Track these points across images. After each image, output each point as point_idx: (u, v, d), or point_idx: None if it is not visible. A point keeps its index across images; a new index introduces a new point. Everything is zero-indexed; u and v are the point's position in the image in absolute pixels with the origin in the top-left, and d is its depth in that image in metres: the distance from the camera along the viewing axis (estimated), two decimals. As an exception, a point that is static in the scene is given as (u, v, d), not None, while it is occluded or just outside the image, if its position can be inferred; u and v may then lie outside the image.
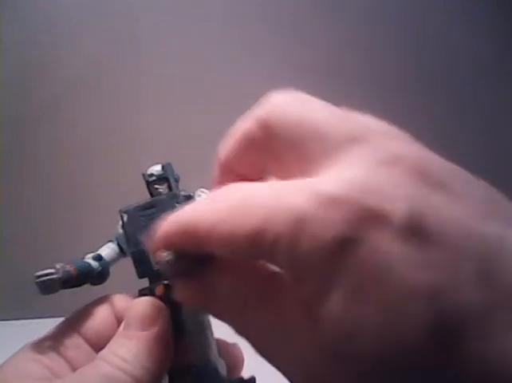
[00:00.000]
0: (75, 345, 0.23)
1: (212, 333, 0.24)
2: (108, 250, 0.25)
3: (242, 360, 0.25)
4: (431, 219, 0.14)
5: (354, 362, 0.14)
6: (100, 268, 0.24)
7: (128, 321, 0.23)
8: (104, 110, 0.77)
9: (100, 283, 0.25)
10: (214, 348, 0.24)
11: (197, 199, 0.25)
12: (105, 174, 0.76)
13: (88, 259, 0.24)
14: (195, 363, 0.23)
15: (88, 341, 0.24)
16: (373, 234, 0.14)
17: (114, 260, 0.25)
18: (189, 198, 0.25)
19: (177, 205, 0.24)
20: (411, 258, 0.14)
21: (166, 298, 0.23)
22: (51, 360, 0.22)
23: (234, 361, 0.25)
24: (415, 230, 0.14)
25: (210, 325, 0.24)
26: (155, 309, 0.23)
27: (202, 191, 0.25)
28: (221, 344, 0.25)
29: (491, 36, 0.82)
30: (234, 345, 0.25)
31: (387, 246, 0.14)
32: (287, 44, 0.79)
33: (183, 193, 0.25)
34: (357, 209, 0.14)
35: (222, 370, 0.24)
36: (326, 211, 0.14)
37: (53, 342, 0.23)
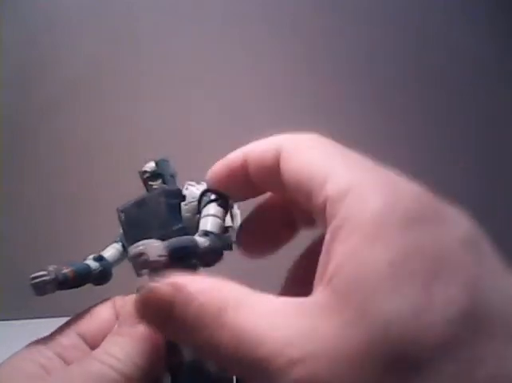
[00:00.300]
0: (73, 345, 0.24)
1: None
2: (112, 251, 0.25)
3: None
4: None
5: None
6: (100, 268, 0.25)
7: (121, 319, 0.23)
8: (104, 110, 0.77)
9: (101, 283, 0.25)
10: None
11: (184, 192, 0.25)
12: (105, 174, 0.76)
13: (89, 260, 0.25)
14: (187, 359, 0.23)
15: (87, 342, 0.24)
16: None
17: (118, 260, 0.25)
18: (178, 192, 0.25)
19: (164, 201, 0.24)
20: None
21: None
22: (48, 360, 0.22)
23: None
24: None
25: None
26: None
27: (190, 185, 0.25)
28: None
29: (491, 36, 0.82)
30: None
31: None
32: (287, 44, 0.79)
33: (170, 188, 0.25)
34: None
35: (213, 365, 0.23)
36: None
37: (51, 343, 0.23)
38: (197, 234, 0.22)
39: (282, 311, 0.16)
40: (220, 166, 0.23)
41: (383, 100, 0.80)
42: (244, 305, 0.17)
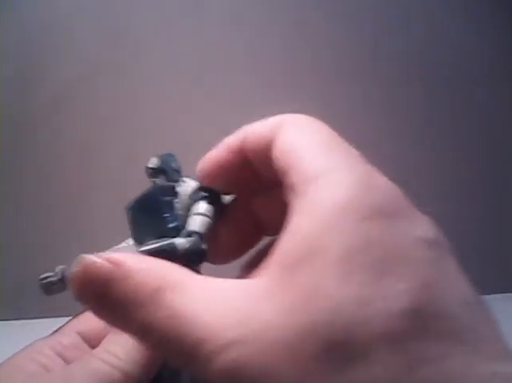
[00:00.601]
0: (74, 345, 0.24)
1: None
2: (125, 247, 0.25)
3: None
4: None
5: None
6: None
7: None
8: (104, 110, 0.77)
9: None
10: None
11: (178, 189, 0.24)
12: (105, 174, 0.76)
13: None
14: None
15: (88, 342, 0.24)
16: None
17: None
18: (170, 189, 0.24)
19: (158, 199, 0.23)
20: None
21: None
22: (48, 359, 0.22)
23: None
24: None
25: None
26: None
27: (184, 181, 0.24)
28: None
29: (496, 34, 0.82)
30: None
31: None
32: (287, 44, 0.79)
33: (163, 185, 0.25)
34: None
35: None
36: None
37: (51, 342, 0.23)
38: (181, 234, 0.22)
39: (223, 294, 0.16)
40: (212, 157, 0.22)
41: (386, 99, 0.80)
42: (184, 287, 0.16)
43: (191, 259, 0.22)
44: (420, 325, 0.14)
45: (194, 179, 0.24)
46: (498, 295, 0.75)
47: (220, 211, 0.23)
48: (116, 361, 0.21)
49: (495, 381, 0.13)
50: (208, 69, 0.78)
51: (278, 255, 0.16)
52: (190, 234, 0.22)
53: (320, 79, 0.78)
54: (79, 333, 0.24)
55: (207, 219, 0.22)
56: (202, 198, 0.23)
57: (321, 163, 0.17)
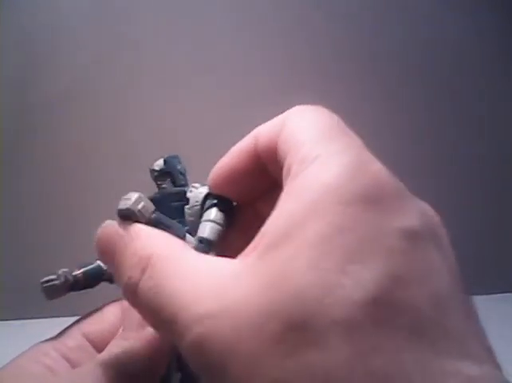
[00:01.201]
0: (79, 347, 0.24)
1: None
2: None
3: None
4: None
5: None
6: None
7: (126, 324, 0.23)
8: (103, 111, 0.77)
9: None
10: None
11: (188, 194, 0.24)
12: (105, 174, 0.76)
13: (99, 260, 0.25)
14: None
15: (93, 344, 0.24)
16: None
17: None
18: (181, 194, 0.24)
19: (167, 205, 0.23)
20: None
21: None
22: (53, 361, 0.22)
23: None
24: None
25: None
26: None
27: (194, 187, 0.24)
28: None
29: (498, 35, 0.82)
30: None
31: None
32: (288, 44, 0.79)
33: (174, 191, 0.25)
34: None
35: None
36: None
37: (56, 344, 0.23)
38: (194, 240, 0.22)
39: (207, 270, 0.16)
40: (224, 164, 0.22)
41: (386, 99, 0.80)
42: (173, 259, 0.17)
43: None
44: (379, 316, 0.13)
45: (203, 184, 0.24)
46: (497, 295, 0.75)
47: (231, 218, 0.23)
48: (122, 365, 0.21)
49: (450, 381, 0.13)
50: (208, 69, 0.78)
51: (261, 236, 0.16)
52: (200, 240, 0.21)
53: (321, 79, 0.78)
54: (84, 335, 0.24)
55: (218, 227, 0.22)
56: (214, 205, 0.23)
57: (318, 147, 0.16)
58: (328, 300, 0.14)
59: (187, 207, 0.24)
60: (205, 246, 0.21)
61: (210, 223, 0.22)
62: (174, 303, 0.15)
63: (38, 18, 0.76)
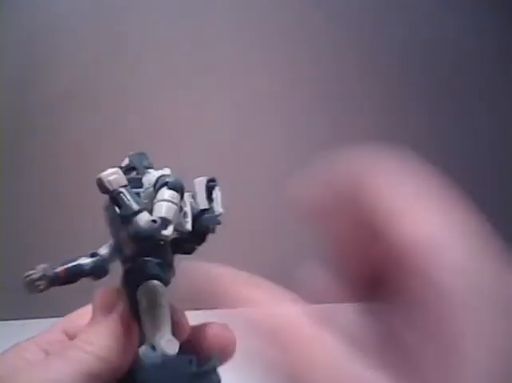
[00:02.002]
0: (57, 341, 0.25)
1: (167, 314, 0.23)
2: (108, 248, 0.26)
3: (232, 342, 0.25)
4: None
5: None
6: (91, 265, 0.25)
7: (93, 310, 0.24)
8: (103, 111, 0.77)
9: (98, 278, 0.25)
10: (164, 329, 0.23)
11: (143, 179, 0.25)
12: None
13: (82, 257, 0.25)
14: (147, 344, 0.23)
15: (71, 338, 0.25)
16: None
17: (113, 256, 0.26)
18: (137, 180, 0.25)
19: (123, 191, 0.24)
20: None
21: (125, 282, 0.24)
22: (33, 354, 0.24)
23: (222, 342, 0.25)
24: None
25: (162, 306, 0.23)
26: (113, 295, 0.24)
27: (147, 172, 0.25)
28: (207, 326, 0.25)
29: (499, 34, 0.82)
30: (224, 325, 0.25)
31: None
32: (288, 44, 0.79)
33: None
34: None
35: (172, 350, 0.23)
36: None
37: (37, 339, 0.25)
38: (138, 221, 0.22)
39: None
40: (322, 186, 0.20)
41: (386, 99, 0.80)
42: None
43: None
44: None
45: (160, 169, 0.25)
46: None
47: (182, 196, 0.24)
48: (89, 346, 0.22)
49: None
50: (208, 69, 0.78)
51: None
52: (156, 220, 0.22)
53: (321, 79, 0.78)
54: (64, 331, 0.25)
55: (173, 205, 0.23)
56: (164, 184, 0.23)
57: (428, 226, 0.17)
58: None
59: (141, 190, 0.24)
60: (162, 225, 0.22)
61: (165, 202, 0.23)
62: None
63: (38, 18, 0.76)
